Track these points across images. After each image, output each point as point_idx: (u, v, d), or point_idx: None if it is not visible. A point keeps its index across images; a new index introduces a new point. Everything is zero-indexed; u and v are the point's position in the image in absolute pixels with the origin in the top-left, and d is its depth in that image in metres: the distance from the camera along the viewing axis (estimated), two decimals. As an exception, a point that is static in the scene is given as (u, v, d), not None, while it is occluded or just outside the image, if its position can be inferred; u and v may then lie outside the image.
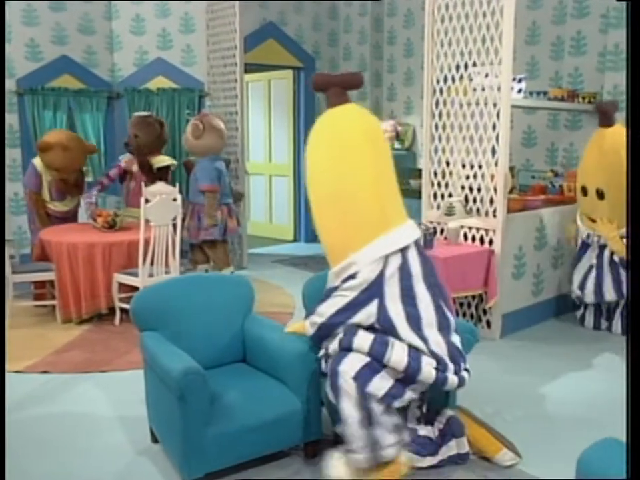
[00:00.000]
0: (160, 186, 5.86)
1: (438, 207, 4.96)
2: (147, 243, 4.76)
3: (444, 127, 4.88)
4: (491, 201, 4.63)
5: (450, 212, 4.64)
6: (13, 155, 6.57)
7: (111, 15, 6.98)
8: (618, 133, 4.64)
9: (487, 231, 4.65)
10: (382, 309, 2.76)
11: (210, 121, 6.08)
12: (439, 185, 4.97)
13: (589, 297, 4.79)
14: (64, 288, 4.94)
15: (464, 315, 4.85)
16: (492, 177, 4.65)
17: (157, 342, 3.03)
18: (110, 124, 7.04)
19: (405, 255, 2.82)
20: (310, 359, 2.95)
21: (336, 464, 2.77)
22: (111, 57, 7.05)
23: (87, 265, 4.89)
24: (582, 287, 4.84)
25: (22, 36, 6.46)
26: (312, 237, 8.33)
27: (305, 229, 8.30)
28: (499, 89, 4.50)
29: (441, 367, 2.73)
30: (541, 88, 5.61)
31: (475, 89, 4.69)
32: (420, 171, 7.60)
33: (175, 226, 4.91)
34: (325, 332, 2.87)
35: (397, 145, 7.76)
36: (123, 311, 5.00)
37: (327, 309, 2.85)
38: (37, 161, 5.73)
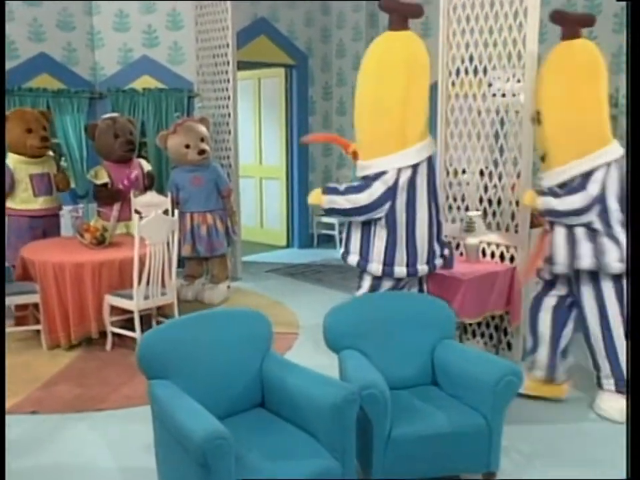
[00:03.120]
0: (150, 196, 5.51)
1: (452, 221, 4.65)
2: (141, 261, 4.37)
3: (460, 136, 4.57)
4: (512, 215, 4.34)
5: (470, 227, 4.33)
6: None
7: (91, 10, 6.51)
8: (584, 45, 3.56)
9: (507, 247, 4.36)
10: (392, 211, 3.55)
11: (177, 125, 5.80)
12: (454, 197, 4.66)
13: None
14: (50, 311, 4.54)
15: (482, 335, 4.57)
16: (512, 188, 4.36)
17: (170, 394, 2.67)
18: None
19: (416, 170, 3.56)
20: (346, 410, 2.61)
21: None
22: (92, 55, 6.59)
23: (75, 286, 4.49)
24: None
25: (-4, 33, 5.98)
26: (306, 243, 8.00)
27: (299, 234, 7.95)
28: (518, 94, 4.21)
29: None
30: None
31: (494, 95, 4.39)
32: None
33: (169, 243, 4.52)
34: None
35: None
36: (114, 335, 4.62)
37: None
38: (10, 159, 5.32)
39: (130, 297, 4.41)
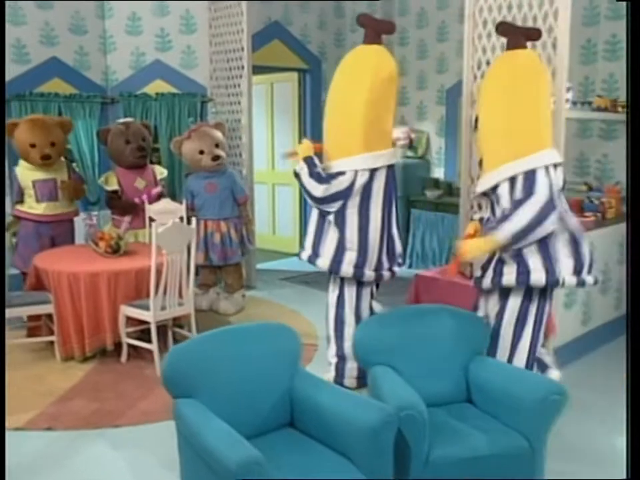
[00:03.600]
0: (165, 203, 5.38)
1: (477, 229, 4.51)
2: (157, 271, 4.24)
3: (486, 142, 4.43)
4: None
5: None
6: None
7: (103, 13, 6.41)
8: (526, 55, 3.46)
9: (536, 256, 4.22)
10: (342, 210, 3.69)
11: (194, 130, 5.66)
12: (479, 205, 4.52)
13: None
14: (64, 322, 4.41)
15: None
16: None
17: (198, 414, 2.55)
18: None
19: (373, 175, 3.69)
20: (384, 433, 2.48)
21: None
22: (104, 59, 6.48)
23: (90, 296, 4.36)
24: None
25: (7, 36, 5.85)
26: (319, 250, 7.86)
27: (312, 241, 7.81)
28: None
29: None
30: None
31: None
32: (436, 180, 7.22)
33: (188, 251, 4.39)
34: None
35: (409, 153, 7.32)
36: (129, 346, 4.49)
37: (324, 191, 3.64)
38: (18, 167, 5.27)
39: (146, 308, 4.28)
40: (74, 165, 5.90)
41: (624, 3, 5.69)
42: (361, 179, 3.69)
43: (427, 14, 7.18)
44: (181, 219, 5.35)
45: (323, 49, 7.62)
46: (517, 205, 3.14)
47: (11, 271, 5.81)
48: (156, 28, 6.45)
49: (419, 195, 7.09)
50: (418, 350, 3.13)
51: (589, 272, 3.34)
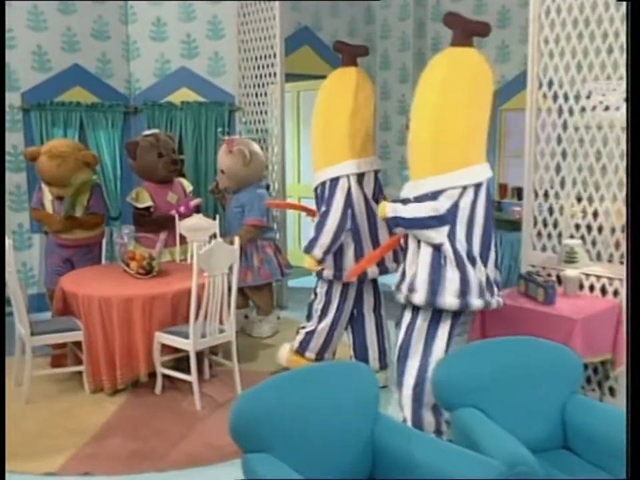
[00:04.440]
0: (197, 219, 5.04)
1: (543, 249, 4.16)
2: (197, 294, 3.89)
3: (552, 155, 4.09)
4: (617, 244, 3.85)
5: (572, 258, 3.84)
6: (17, 180, 5.65)
7: (127, 18, 6.09)
8: (468, 55, 3.27)
9: (610, 280, 3.87)
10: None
11: (248, 145, 5.21)
12: (544, 222, 4.18)
13: None
14: (94, 351, 4.05)
15: (578, 377, 4.06)
16: (617, 214, 3.87)
17: (274, 473, 2.19)
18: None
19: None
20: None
21: None
22: (127, 66, 6.16)
23: (123, 323, 4.00)
24: None
25: (28, 42, 5.56)
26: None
27: (340, 256, 7.45)
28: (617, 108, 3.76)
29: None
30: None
31: (594, 108, 3.92)
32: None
33: (229, 274, 4.03)
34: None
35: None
36: (164, 376, 4.13)
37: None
38: None
39: (185, 335, 3.92)
40: (95, 177, 5.54)
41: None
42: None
43: (463, 19, 6.84)
44: (214, 235, 5.02)
45: (353, 56, 7.29)
46: (419, 199, 3.21)
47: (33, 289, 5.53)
48: (182, 33, 6.13)
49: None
50: (509, 389, 2.78)
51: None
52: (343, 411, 2.50)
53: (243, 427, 2.32)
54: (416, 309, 3.28)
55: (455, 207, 3.13)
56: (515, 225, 6.24)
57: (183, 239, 5.11)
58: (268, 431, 2.33)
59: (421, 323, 3.27)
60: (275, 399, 2.39)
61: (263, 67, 5.93)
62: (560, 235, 4.09)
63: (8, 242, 3.89)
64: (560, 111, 4.01)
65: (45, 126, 5.62)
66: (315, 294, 4.36)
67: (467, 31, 3.19)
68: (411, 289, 3.21)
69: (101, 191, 5.25)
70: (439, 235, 3.14)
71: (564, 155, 4.03)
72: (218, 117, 6.17)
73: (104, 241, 5.23)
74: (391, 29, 7.32)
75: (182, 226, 5.03)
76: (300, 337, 4.34)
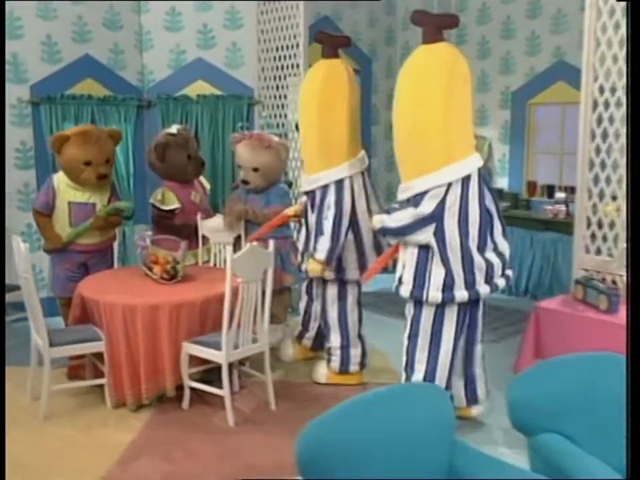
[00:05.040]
0: (219, 220, 4.74)
1: (598, 252, 3.90)
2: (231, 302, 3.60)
3: (608, 152, 3.82)
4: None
5: (634, 263, 3.57)
6: (25, 178, 5.34)
7: (140, 7, 5.76)
8: (441, 51, 3.19)
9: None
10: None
11: (271, 138, 4.90)
12: (599, 224, 3.90)
13: None
14: (116, 362, 3.75)
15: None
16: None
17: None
18: (139, 139, 5.82)
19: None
20: None
21: None
22: (140, 57, 5.84)
23: (148, 332, 3.70)
24: None
25: (37, 32, 5.23)
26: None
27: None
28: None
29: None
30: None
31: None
32: (499, 191, 6.59)
33: (263, 280, 3.74)
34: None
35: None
36: (191, 390, 3.84)
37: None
38: (58, 177, 4.54)
39: (216, 346, 3.63)
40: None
41: None
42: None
43: (490, 9, 6.58)
44: (239, 237, 4.72)
45: (373, 48, 7.00)
46: (402, 206, 3.33)
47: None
48: (197, 23, 5.81)
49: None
50: (591, 412, 2.49)
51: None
52: (420, 438, 2.22)
53: (311, 458, 2.04)
54: (419, 302, 3.32)
55: (441, 204, 3.16)
56: (547, 225, 5.98)
57: (205, 240, 4.82)
58: (338, 464, 2.05)
59: (427, 315, 3.31)
60: (345, 428, 2.10)
61: (284, 58, 5.62)
62: (616, 238, 3.83)
63: (24, 245, 3.59)
64: (617, 105, 3.74)
65: (55, 120, 5.30)
66: (312, 299, 4.41)
67: (436, 26, 3.12)
68: (400, 282, 3.36)
69: (118, 189, 4.94)
70: (425, 234, 3.21)
71: (622, 151, 3.75)
72: (236, 111, 5.86)
73: (115, 243, 4.93)
74: (413, 20, 7.01)
75: (204, 227, 4.73)
76: (337, 357, 4.19)
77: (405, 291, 3.31)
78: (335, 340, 4.17)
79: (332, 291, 4.11)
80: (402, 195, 3.31)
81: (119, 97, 5.64)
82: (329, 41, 3.90)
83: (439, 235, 3.19)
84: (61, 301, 4.65)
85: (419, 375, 3.36)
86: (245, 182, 4.67)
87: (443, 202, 3.15)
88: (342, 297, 4.12)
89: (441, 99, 3.08)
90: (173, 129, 4.95)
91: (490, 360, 4.67)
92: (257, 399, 3.96)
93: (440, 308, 3.28)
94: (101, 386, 3.87)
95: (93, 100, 5.48)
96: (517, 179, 6.53)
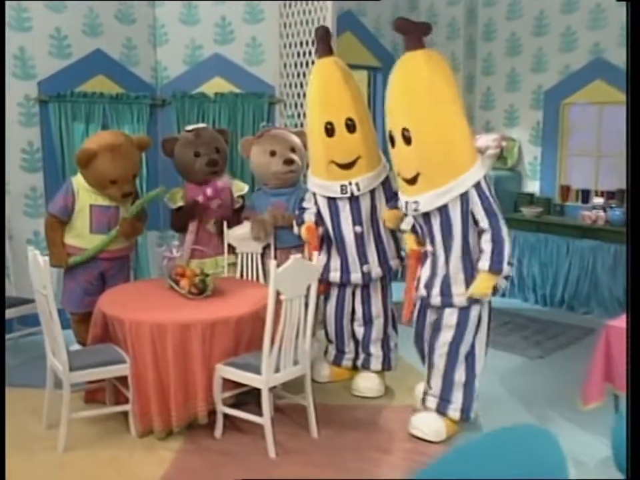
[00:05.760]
0: (247, 227, 4.39)
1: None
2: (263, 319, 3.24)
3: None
4: None
5: None
6: (32, 181, 4.96)
7: (154, -1, 5.41)
8: (429, 57, 3.17)
9: None
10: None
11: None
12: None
13: None
14: (143, 387, 3.38)
15: None
16: None
17: None
18: (153, 139, 5.42)
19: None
20: None
21: None
22: (154, 53, 5.48)
23: (179, 353, 3.34)
24: None
25: (45, 25, 4.86)
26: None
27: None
28: None
29: None
30: None
31: None
32: (530, 196, 6.29)
33: (307, 296, 3.39)
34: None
35: (497, 164, 6.37)
36: (225, 416, 3.48)
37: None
38: (77, 179, 4.20)
39: (254, 369, 3.27)
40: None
41: None
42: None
43: (520, 3, 6.25)
44: (268, 246, 4.37)
45: (396, 45, 6.65)
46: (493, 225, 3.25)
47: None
48: (215, 16, 5.45)
49: (511, 212, 6.14)
50: None
51: None
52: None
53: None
54: (462, 309, 3.33)
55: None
56: (585, 232, 5.66)
57: (230, 249, 4.46)
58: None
59: (473, 319, 3.34)
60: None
61: (308, 54, 5.27)
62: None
63: (42, 259, 3.21)
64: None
65: (64, 120, 4.93)
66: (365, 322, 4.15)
67: (419, 33, 3.14)
68: (431, 290, 3.41)
69: (138, 189, 4.60)
70: None
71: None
72: (256, 110, 5.50)
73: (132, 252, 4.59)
74: (438, 15, 6.69)
75: (230, 235, 4.37)
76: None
77: (459, 301, 3.32)
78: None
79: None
80: (436, 202, 3.22)
81: (132, 95, 5.28)
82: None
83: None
84: (75, 317, 4.28)
85: (460, 380, 3.42)
86: (290, 161, 4.37)
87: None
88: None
89: (456, 101, 3.21)
90: (194, 125, 4.66)
91: (538, 378, 4.40)
92: (297, 425, 3.61)
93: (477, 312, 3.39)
94: (124, 412, 3.50)
95: (104, 98, 5.11)
96: (550, 183, 6.21)
